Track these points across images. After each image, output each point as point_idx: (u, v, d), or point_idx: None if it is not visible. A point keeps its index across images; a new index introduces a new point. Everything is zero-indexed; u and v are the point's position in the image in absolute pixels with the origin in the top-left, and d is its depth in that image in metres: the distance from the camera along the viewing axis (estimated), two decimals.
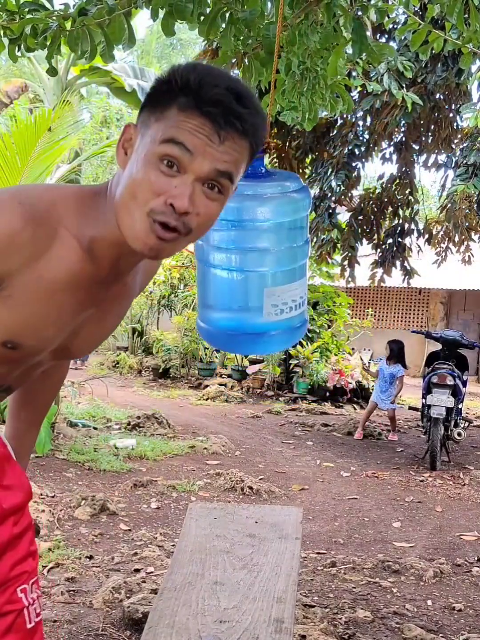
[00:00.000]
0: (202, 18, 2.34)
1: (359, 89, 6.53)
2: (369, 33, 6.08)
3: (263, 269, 1.97)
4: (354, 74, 5.75)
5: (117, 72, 12.54)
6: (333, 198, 7.20)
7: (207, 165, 1.11)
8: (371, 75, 6.03)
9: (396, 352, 7.62)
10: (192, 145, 1.10)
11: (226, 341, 2.13)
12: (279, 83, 2.49)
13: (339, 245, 7.63)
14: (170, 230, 1.13)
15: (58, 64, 11.61)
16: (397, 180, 7.79)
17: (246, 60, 2.49)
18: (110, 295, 1.30)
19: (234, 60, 2.88)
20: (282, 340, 2.11)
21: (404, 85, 6.03)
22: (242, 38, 2.42)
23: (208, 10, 2.35)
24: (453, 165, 7.47)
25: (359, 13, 2.39)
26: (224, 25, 2.37)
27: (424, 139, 7.56)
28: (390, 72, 5.87)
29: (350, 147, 6.90)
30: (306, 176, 7.71)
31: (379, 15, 2.48)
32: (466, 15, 2.63)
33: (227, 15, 2.30)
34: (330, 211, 7.23)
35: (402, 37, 5.83)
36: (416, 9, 4.24)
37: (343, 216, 7.94)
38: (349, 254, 7.66)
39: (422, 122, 7.19)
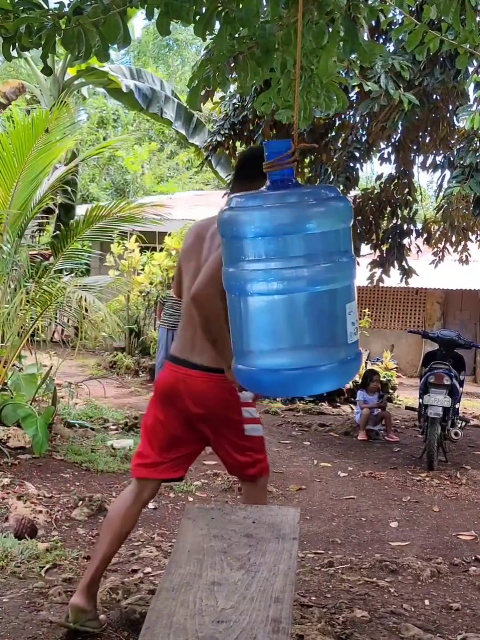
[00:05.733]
0: (197, 17, 2.34)
1: (357, 90, 6.51)
2: (366, 34, 6.08)
3: (344, 282, 1.80)
4: (351, 74, 5.74)
5: (113, 73, 12.54)
6: None
7: None
8: (369, 76, 6.01)
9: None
10: None
11: (291, 382, 1.83)
12: (273, 82, 2.49)
13: None
14: None
15: (55, 65, 11.62)
16: (396, 180, 7.78)
17: (242, 60, 2.49)
18: None
19: (233, 64, 2.88)
20: (356, 366, 1.89)
21: (401, 86, 6.02)
22: (237, 37, 2.42)
23: (203, 9, 2.35)
24: (450, 165, 7.46)
25: (349, 11, 2.39)
26: (219, 25, 2.37)
27: (421, 139, 7.55)
28: (387, 73, 5.86)
29: (350, 150, 6.88)
30: (306, 177, 7.69)
31: (369, 15, 2.47)
32: (463, 16, 2.63)
33: (223, 14, 2.30)
34: None
35: (399, 38, 5.82)
36: (412, 9, 4.23)
37: None
38: None
39: (420, 121, 7.17)
